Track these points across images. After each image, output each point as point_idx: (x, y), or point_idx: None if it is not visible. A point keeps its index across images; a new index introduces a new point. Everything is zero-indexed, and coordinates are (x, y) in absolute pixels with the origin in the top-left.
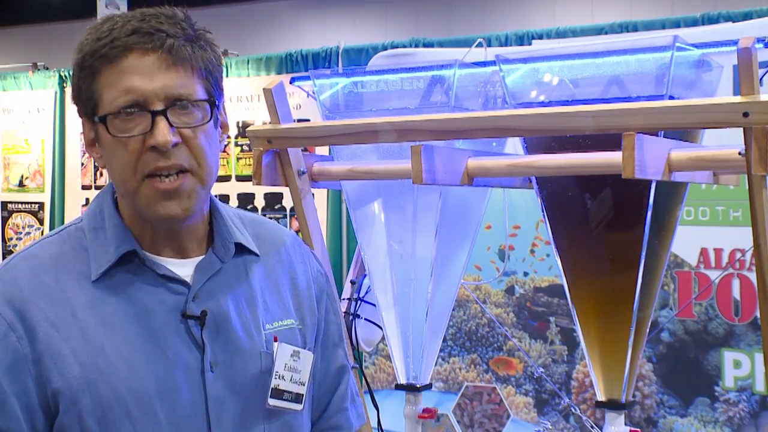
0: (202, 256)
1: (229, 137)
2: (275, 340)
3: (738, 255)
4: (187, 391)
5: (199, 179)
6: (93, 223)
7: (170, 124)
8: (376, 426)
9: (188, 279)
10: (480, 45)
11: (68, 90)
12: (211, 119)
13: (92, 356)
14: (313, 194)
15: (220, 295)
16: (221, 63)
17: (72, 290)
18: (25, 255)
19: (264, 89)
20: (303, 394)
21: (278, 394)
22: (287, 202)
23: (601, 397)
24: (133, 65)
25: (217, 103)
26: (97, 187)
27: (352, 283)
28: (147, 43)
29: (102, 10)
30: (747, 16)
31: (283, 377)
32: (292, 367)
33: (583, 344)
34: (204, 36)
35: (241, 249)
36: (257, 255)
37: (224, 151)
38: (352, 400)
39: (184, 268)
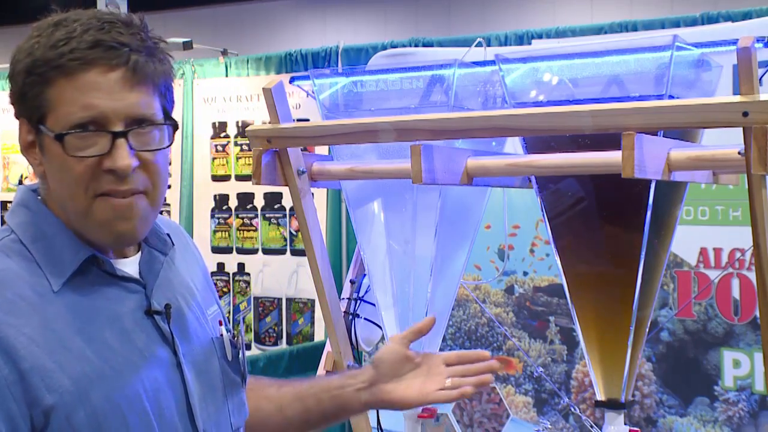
0: (139, 253)
1: (228, 137)
2: (220, 324)
3: (737, 254)
4: (168, 388)
5: (152, 201)
6: (29, 235)
7: (130, 147)
8: (375, 426)
9: (136, 276)
10: (479, 45)
11: None
12: (171, 143)
13: (79, 366)
14: (312, 194)
15: (168, 289)
16: (174, 73)
17: (37, 303)
18: None
19: (263, 89)
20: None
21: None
22: (287, 201)
23: (600, 396)
24: (95, 81)
25: (172, 117)
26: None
27: (352, 282)
28: (111, 59)
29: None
30: (747, 16)
31: (229, 360)
32: (230, 350)
33: (582, 344)
34: (161, 47)
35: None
36: (173, 245)
37: (224, 151)
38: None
39: (129, 268)
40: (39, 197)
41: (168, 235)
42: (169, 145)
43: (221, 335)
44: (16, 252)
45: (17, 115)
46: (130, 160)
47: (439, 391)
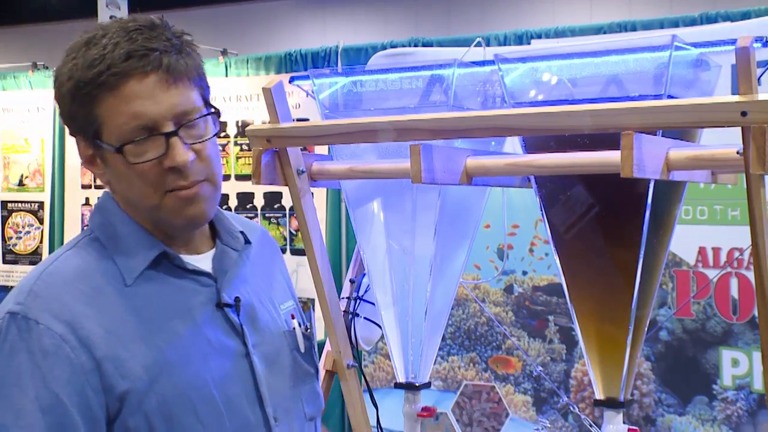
0: (213, 250)
1: (228, 136)
2: (292, 318)
3: (736, 254)
4: (236, 377)
5: (213, 185)
6: (107, 234)
7: (183, 143)
8: (375, 425)
9: (210, 271)
10: (479, 44)
11: None
12: (218, 130)
13: (150, 355)
14: (312, 193)
15: (241, 283)
16: (202, 60)
17: (111, 295)
18: (50, 271)
19: (263, 89)
20: (316, 365)
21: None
22: (286, 201)
23: (599, 395)
24: (136, 90)
25: (211, 104)
26: (96, 187)
27: (351, 282)
28: (145, 66)
29: (102, 10)
30: (745, 16)
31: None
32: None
33: (581, 343)
34: (187, 42)
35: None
36: (250, 243)
37: (224, 150)
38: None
39: (202, 263)
40: (116, 201)
41: (242, 232)
42: (218, 133)
43: (293, 328)
44: (94, 249)
45: (72, 133)
46: (186, 155)
47: None
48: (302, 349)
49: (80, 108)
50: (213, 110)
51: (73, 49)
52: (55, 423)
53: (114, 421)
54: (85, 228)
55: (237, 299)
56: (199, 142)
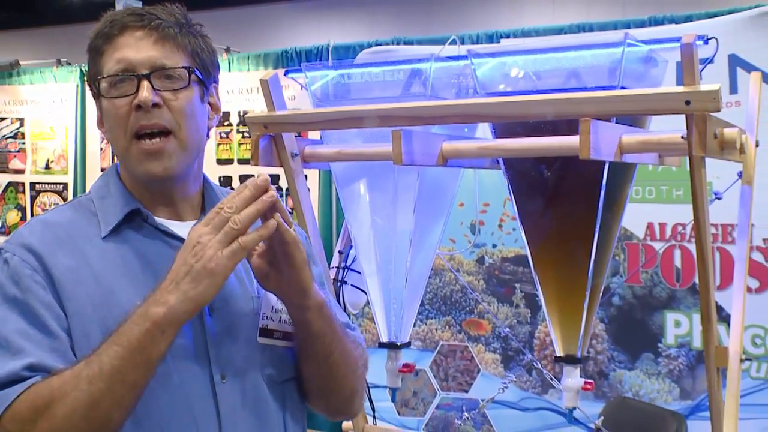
0: (196, 221)
1: (231, 125)
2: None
3: (680, 229)
4: (187, 331)
5: (180, 142)
6: (100, 193)
7: (153, 88)
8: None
9: (185, 236)
10: (453, 42)
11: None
12: (192, 85)
13: (103, 298)
14: (306, 176)
15: None
16: (212, 52)
17: (85, 245)
18: (43, 218)
19: (261, 80)
20: (292, 333)
21: (267, 333)
22: (283, 182)
23: (559, 352)
24: (127, 41)
25: (202, 78)
26: None
27: (340, 253)
28: (138, 21)
29: None
30: (688, 19)
31: (271, 318)
32: (280, 309)
33: (544, 307)
34: (195, 27)
35: None
36: None
37: (227, 137)
38: (348, 326)
39: (181, 229)
40: (118, 170)
41: None
42: (188, 86)
43: (262, 295)
44: (84, 206)
45: (94, 98)
46: (150, 95)
47: None
48: (270, 316)
49: (92, 64)
50: (187, 68)
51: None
52: (24, 311)
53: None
54: None
55: None
56: (169, 91)
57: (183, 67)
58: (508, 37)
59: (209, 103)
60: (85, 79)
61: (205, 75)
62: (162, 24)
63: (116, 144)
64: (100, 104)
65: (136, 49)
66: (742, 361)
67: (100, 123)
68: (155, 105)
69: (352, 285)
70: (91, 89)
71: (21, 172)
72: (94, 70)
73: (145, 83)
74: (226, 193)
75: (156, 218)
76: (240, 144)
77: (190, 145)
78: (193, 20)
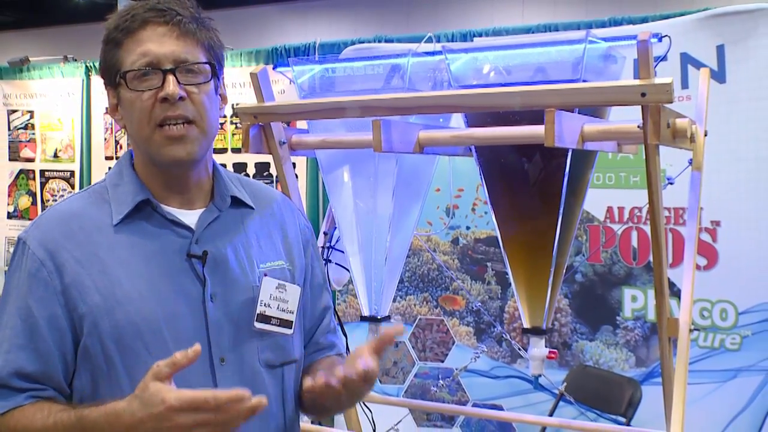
0: (205, 208)
1: (225, 116)
2: (265, 276)
3: (636, 212)
4: (189, 317)
5: (201, 130)
6: (114, 181)
7: (178, 81)
8: (345, 350)
9: (193, 226)
10: (429, 40)
11: (93, 78)
12: (211, 80)
13: (111, 288)
14: (294, 164)
15: (219, 239)
16: (222, 46)
17: (95, 235)
18: (57, 208)
19: (251, 74)
20: (292, 321)
21: (264, 319)
22: (273, 170)
23: (526, 325)
24: (149, 35)
25: (217, 71)
26: (117, 158)
27: (325, 234)
28: (160, 17)
29: None
30: (644, 20)
31: (269, 305)
32: (278, 297)
33: (513, 284)
34: (208, 20)
35: (238, 203)
36: (252, 208)
37: (222, 128)
38: (334, 330)
39: (189, 217)
40: (132, 157)
41: (233, 197)
42: (209, 81)
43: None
44: (97, 194)
45: (105, 87)
46: (177, 89)
47: None
48: (268, 303)
49: (108, 54)
50: (209, 63)
51: (116, 12)
52: (28, 329)
53: (80, 341)
54: None
55: (205, 252)
56: (192, 85)
57: (204, 63)
58: (480, 35)
59: (220, 94)
60: (89, 72)
61: (219, 68)
62: (183, 20)
63: (138, 132)
64: (117, 94)
65: (159, 44)
66: (690, 331)
67: (114, 110)
68: (180, 98)
69: (336, 263)
70: (104, 79)
71: (31, 160)
72: (112, 61)
73: (170, 77)
74: (234, 180)
75: (165, 207)
76: (233, 134)
77: (209, 132)
78: (201, 11)
